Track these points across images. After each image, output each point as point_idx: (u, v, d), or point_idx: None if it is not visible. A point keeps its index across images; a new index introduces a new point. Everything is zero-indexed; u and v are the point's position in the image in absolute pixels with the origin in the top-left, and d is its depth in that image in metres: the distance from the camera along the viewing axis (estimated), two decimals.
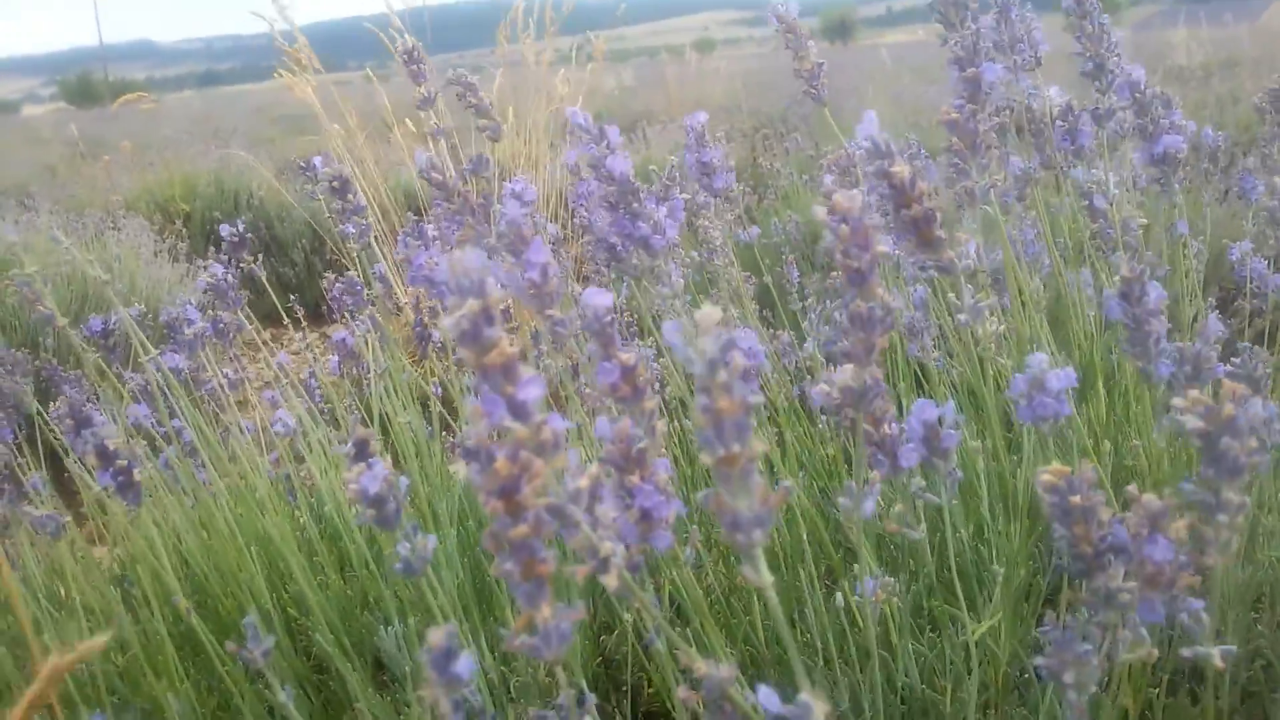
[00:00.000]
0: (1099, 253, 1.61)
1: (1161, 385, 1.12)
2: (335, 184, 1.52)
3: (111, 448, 1.16)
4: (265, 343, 2.19)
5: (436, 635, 0.74)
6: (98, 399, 2.27)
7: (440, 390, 2.43)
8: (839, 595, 1.36)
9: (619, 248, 1.33)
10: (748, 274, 2.49)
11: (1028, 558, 1.42)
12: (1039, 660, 0.90)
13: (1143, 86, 1.43)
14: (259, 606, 1.60)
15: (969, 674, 1.31)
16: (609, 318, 0.88)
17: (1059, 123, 1.55)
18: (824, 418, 2.11)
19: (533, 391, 0.67)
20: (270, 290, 1.83)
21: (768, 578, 0.66)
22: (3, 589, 1.88)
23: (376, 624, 1.63)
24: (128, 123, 16.41)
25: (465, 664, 0.75)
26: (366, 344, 2.35)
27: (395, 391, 1.84)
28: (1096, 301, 1.86)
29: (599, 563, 0.76)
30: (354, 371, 2.68)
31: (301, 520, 1.89)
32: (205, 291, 1.67)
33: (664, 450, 1.17)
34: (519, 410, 0.67)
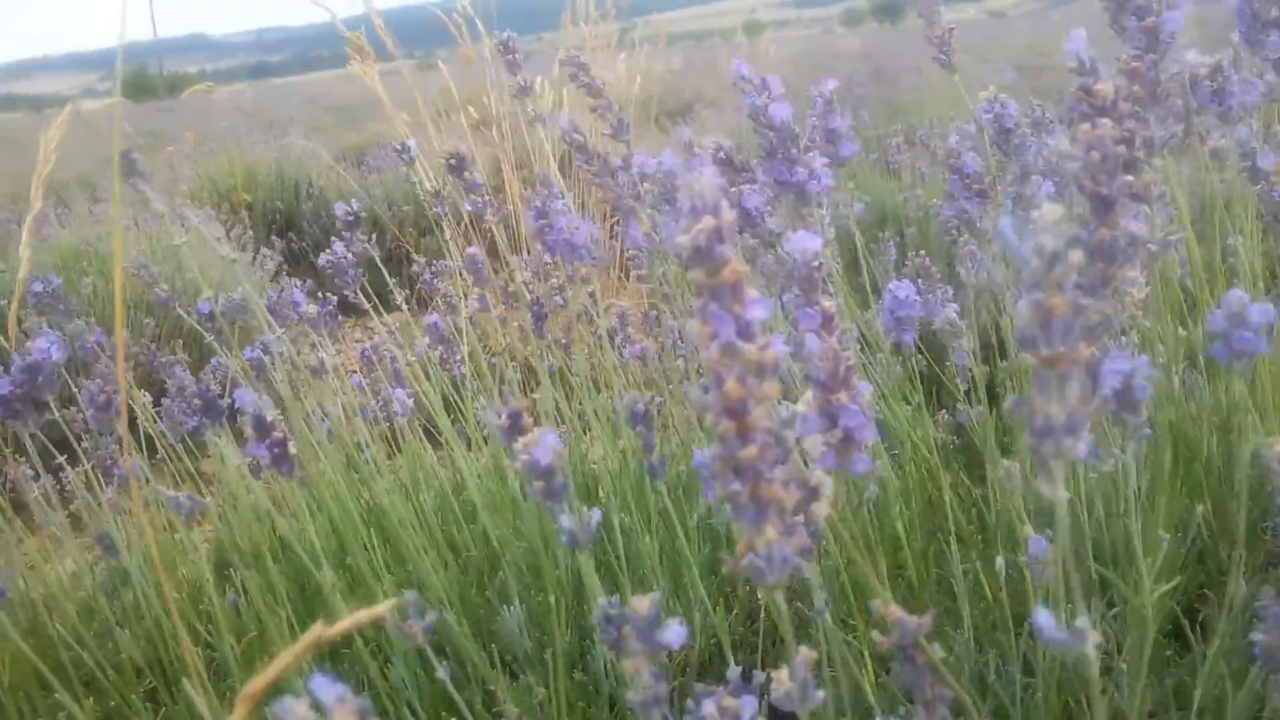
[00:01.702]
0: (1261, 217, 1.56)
1: None
2: (452, 161, 1.51)
3: (269, 419, 1.16)
4: (341, 324, 2.17)
5: (642, 603, 0.73)
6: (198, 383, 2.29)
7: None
8: (998, 561, 1.33)
9: (753, 212, 1.30)
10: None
11: (1174, 529, 1.38)
12: (1256, 636, 0.87)
13: None
14: (381, 587, 1.60)
15: (1123, 642, 1.28)
16: (817, 262, 0.86)
17: (1205, 83, 1.49)
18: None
19: (759, 312, 0.65)
20: (382, 269, 1.82)
21: (1064, 494, 0.65)
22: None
23: (495, 605, 1.62)
24: (184, 115, 16.60)
25: (676, 632, 0.73)
26: (460, 331, 2.34)
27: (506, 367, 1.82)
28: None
29: (809, 491, 0.74)
30: (438, 354, 2.68)
31: (415, 501, 1.89)
32: (324, 268, 1.66)
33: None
34: (746, 331, 0.65)
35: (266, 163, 8.20)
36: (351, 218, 1.69)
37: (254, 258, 5.98)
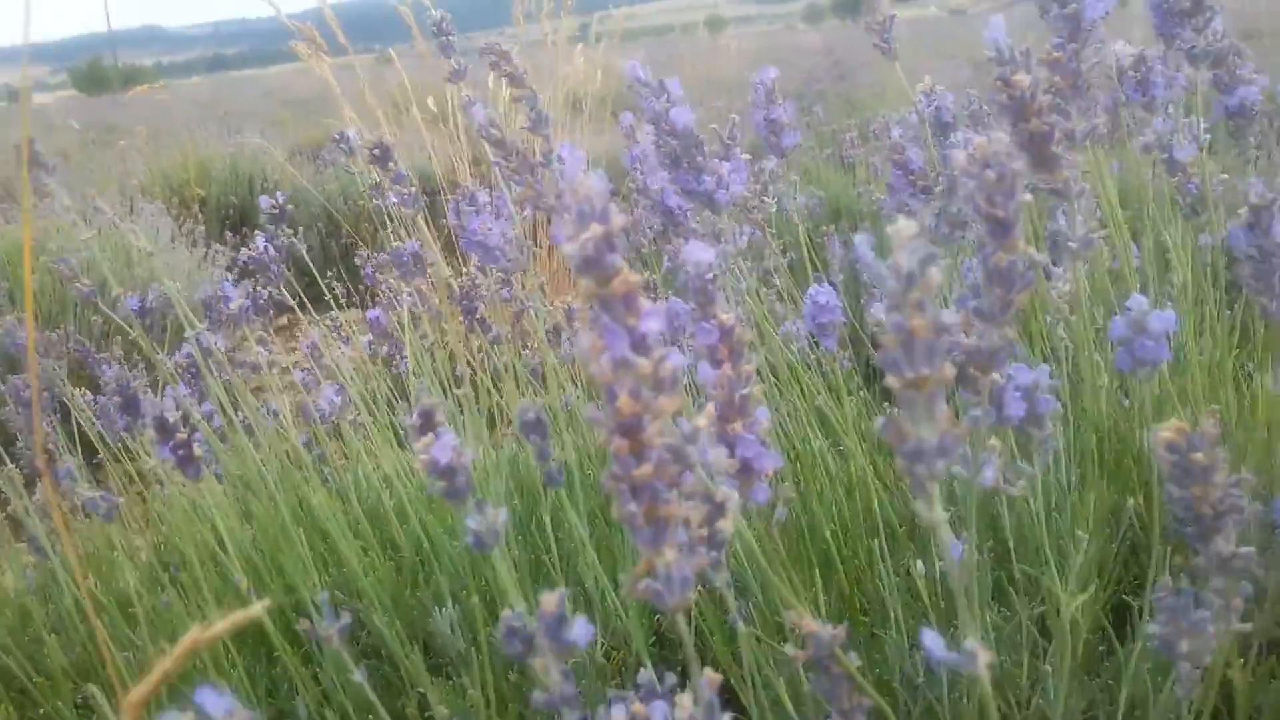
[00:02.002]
0: (1175, 207, 1.56)
1: None
2: (376, 152, 1.48)
3: (171, 420, 1.12)
4: (296, 322, 2.13)
5: (549, 600, 0.71)
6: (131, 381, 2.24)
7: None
8: (919, 564, 1.32)
9: (676, 211, 1.29)
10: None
11: (1104, 524, 1.38)
12: (1152, 628, 0.86)
13: (1220, 35, 1.38)
14: (310, 589, 1.57)
15: (1048, 645, 1.27)
16: (710, 275, 0.84)
17: (1129, 74, 1.50)
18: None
19: (654, 324, 0.63)
20: (311, 264, 1.78)
21: (941, 515, 0.63)
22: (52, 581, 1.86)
23: (428, 605, 1.59)
24: (139, 109, 16.36)
25: (582, 629, 0.72)
26: (400, 323, 2.32)
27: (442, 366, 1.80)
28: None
29: (715, 508, 0.72)
30: (384, 351, 2.65)
31: (348, 501, 1.86)
32: (245, 264, 1.62)
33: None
34: (640, 344, 0.63)
35: (221, 157, 8.10)
36: (276, 211, 1.65)
37: (206, 253, 5.90)
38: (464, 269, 5.19)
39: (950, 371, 0.58)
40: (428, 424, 1.03)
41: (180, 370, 2.26)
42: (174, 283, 1.71)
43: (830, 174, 5.29)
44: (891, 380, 0.59)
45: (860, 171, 5.28)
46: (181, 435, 1.13)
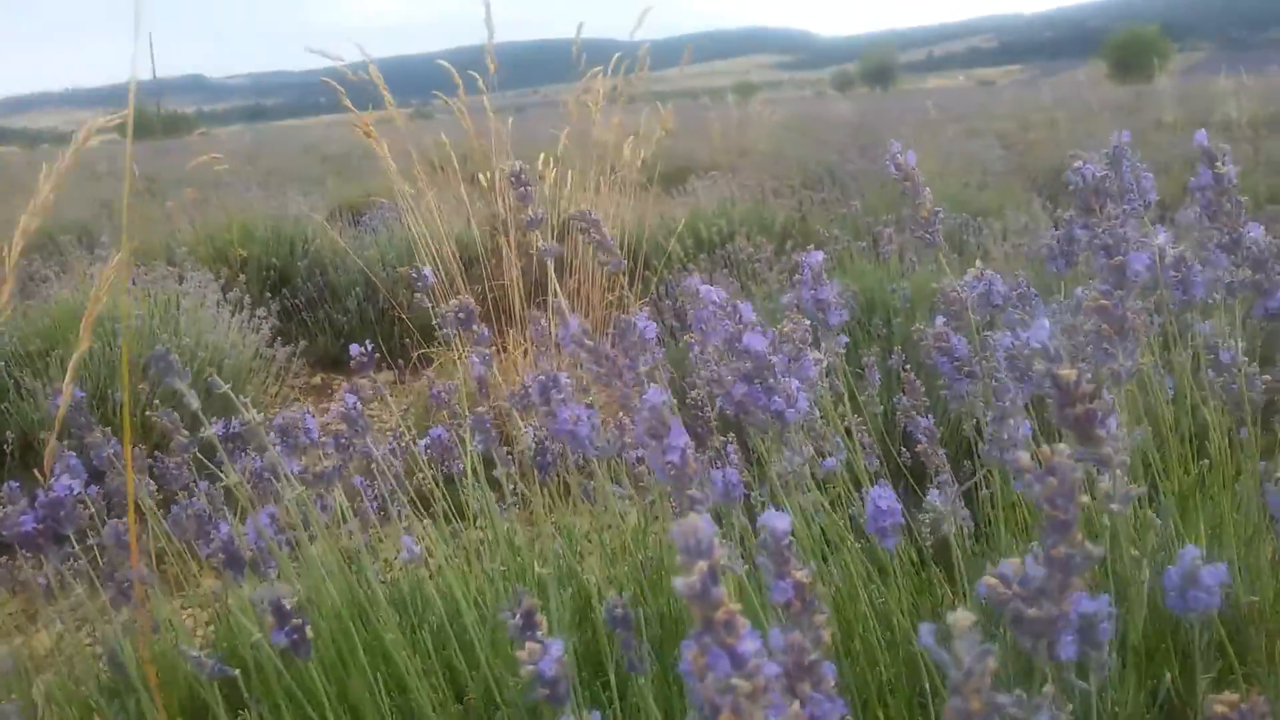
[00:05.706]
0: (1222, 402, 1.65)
1: None
2: (462, 315, 1.59)
3: (288, 607, 1.21)
4: (331, 381, 2.23)
5: None
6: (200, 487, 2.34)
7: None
8: None
9: (745, 402, 1.38)
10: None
11: (1143, 712, 1.45)
12: None
13: (1261, 245, 1.47)
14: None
15: None
16: (786, 540, 0.94)
17: (1170, 271, 1.59)
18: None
19: (751, 645, 0.72)
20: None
21: None
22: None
23: None
24: (181, 157, 16.66)
25: None
26: (460, 438, 2.42)
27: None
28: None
29: None
30: (440, 458, 2.74)
31: (411, 628, 1.94)
32: (338, 419, 1.74)
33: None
34: (739, 661, 0.72)
35: (264, 220, 8.27)
36: (365, 358, 1.78)
37: (250, 317, 6.04)
38: (502, 342, 5.29)
39: None
40: (529, 623, 1.13)
41: (248, 477, 2.36)
42: (248, 413, 1.81)
43: (866, 266, 5.38)
44: None
45: (894, 264, 5.38)
46: (296, 621, 1.22)
